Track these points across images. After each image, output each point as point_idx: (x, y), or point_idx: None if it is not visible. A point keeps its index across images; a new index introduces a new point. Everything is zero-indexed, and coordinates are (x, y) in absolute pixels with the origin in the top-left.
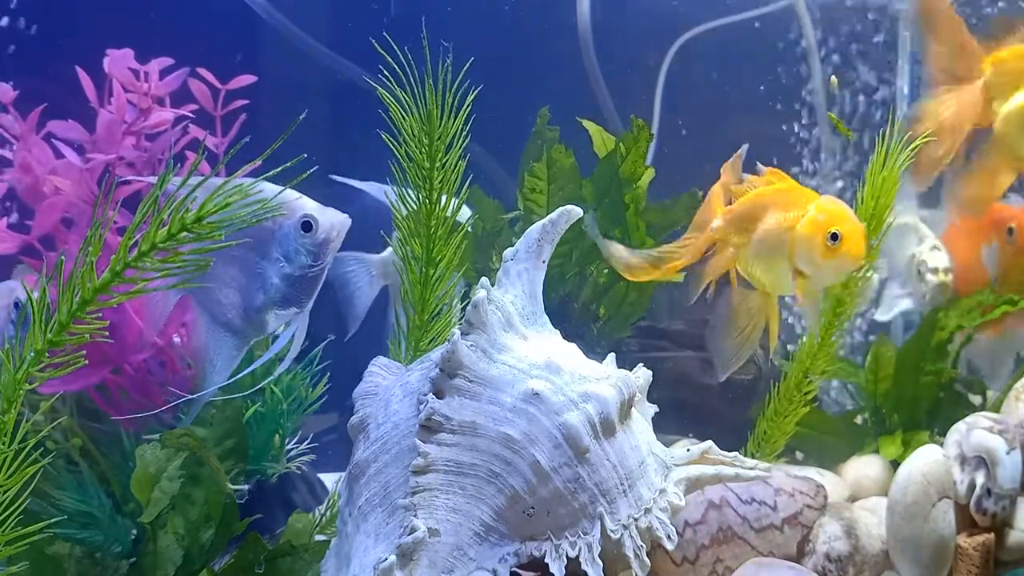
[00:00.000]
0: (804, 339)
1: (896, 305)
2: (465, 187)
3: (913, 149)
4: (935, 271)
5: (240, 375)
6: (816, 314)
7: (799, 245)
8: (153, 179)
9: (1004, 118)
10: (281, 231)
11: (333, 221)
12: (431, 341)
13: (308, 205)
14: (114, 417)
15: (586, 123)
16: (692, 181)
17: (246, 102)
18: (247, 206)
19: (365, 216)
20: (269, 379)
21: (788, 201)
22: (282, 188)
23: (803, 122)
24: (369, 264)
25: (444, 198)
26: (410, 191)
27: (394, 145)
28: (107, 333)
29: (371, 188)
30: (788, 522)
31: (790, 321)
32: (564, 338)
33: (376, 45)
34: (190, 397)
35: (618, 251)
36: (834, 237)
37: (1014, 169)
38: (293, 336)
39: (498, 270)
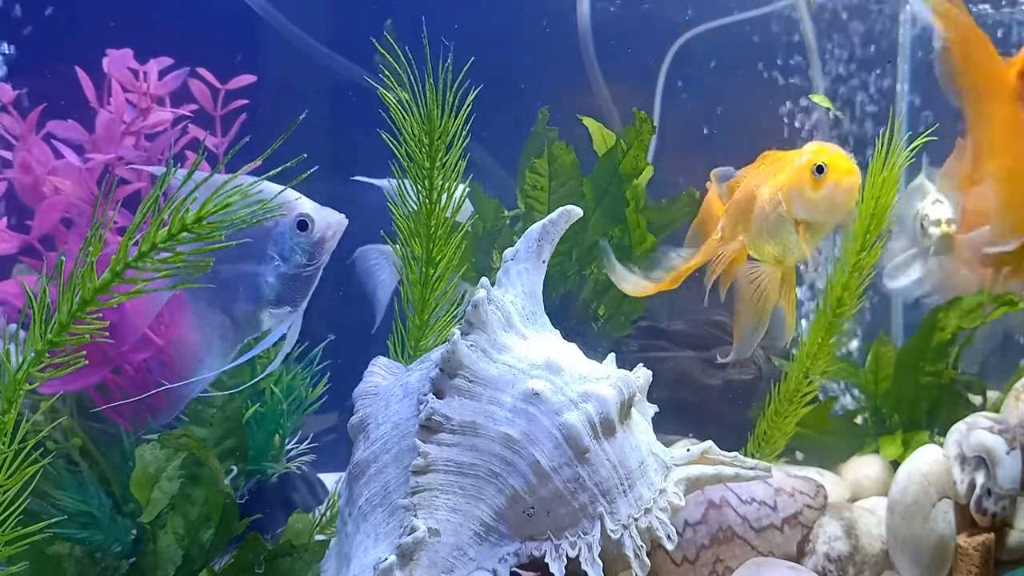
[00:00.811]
0: (806, 338)
1: (906, 271)
2: (466, 184)
3: (913, 149)
4: (937, 223)
5: (223, 369)
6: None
7: (790, 194)
8: (155, 169)
9: None
10: (277, 230)
11: (329, 221)
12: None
13: (305, 205)
14: (100, 408)
15: (586, 120)
16: (690, 181)
17: (246, 102)
18: (247, 206)
19: (384, 211)
20: (262, 376)
21: (776, 169)
22: (282, 188)
23: (803, 121)
24: (390, 255)
25: (444, 198)
26: (408, 184)
27: (394, 145)
28: (107, 333)
29: (388, 185)
30: (788, 522)
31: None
32: (564, 337)
33: (377, 45)
34: (169, 386)
35: (631, 279)
36: (819, 170)
37: None
38: (285, 335)
39: (498, 270)
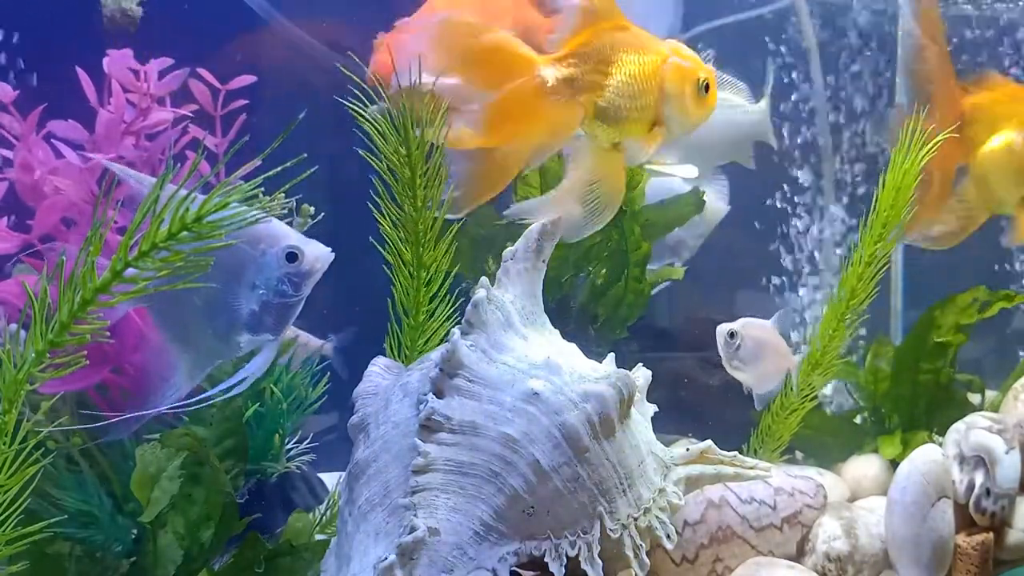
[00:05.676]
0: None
1: None
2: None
3: (934, 146)
4: None
5: (202, 396)
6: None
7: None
8: (139, 175)
9: (980, 159)
10: (264, 258)
11: (317, 253)
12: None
13: (293, 236)
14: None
15: None
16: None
17: (246, 102)
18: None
19: None
20: (246, 373)
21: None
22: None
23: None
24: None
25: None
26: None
27: (373, 161)
28: (107, 333)
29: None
30: (788, 521)
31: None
32: (563, 337)
33: (355, 57)
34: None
35: None
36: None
37: (988, 210)
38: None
39: (496, 271)
